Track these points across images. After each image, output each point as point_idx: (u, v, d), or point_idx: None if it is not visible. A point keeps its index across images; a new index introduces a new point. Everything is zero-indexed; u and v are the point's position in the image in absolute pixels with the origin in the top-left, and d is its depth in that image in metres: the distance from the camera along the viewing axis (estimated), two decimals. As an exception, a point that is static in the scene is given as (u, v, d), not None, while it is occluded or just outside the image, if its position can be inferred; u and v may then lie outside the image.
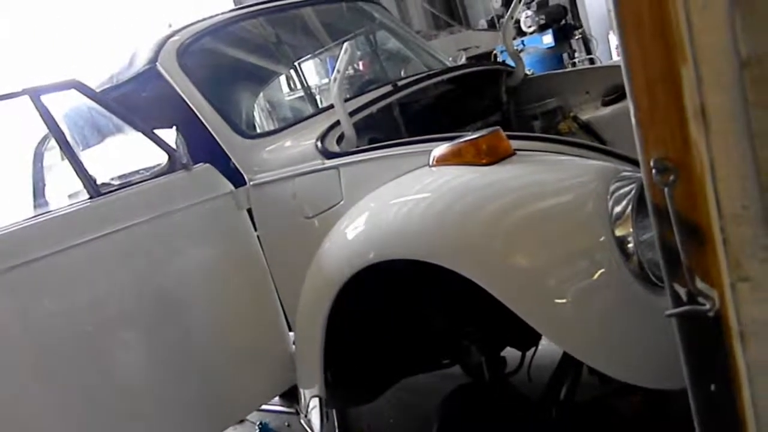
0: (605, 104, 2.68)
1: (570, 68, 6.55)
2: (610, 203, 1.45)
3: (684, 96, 0.74)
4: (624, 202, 1.44)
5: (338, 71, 1.99)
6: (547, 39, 7.67)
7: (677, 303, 0.86)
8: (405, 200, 1.79)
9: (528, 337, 2.02)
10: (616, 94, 2.65)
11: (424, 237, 1.66)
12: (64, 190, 2.81)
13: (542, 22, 7.75)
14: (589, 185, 1.51)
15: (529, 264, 1.51)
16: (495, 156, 1.70)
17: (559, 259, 1.48)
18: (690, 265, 0.81)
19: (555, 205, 1.54)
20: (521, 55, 2.99)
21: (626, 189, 1.46)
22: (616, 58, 7.34)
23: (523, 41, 7.67)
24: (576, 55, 7.83)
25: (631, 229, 1.42)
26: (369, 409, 2.56)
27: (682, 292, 0.83)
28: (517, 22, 7.69)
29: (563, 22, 7.87)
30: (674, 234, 0.81)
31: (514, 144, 1.77)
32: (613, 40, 7.75)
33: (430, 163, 1.81)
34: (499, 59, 6.29)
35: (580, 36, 7.85)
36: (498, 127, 1.79)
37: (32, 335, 1.87)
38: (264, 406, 2.44)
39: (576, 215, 1.50)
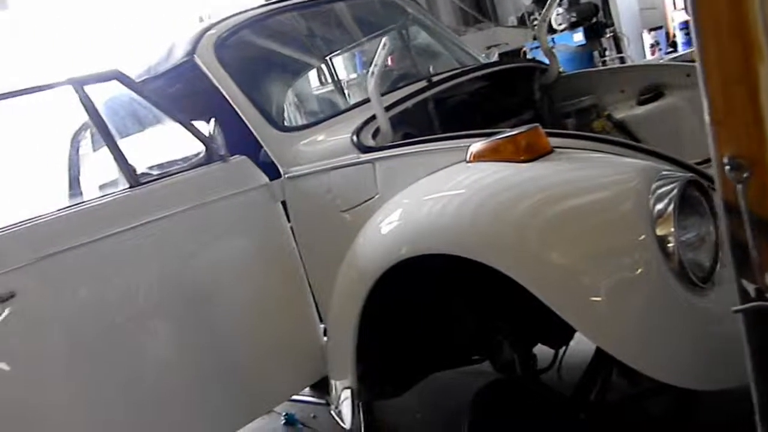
0: (641, 103, 2.65)
1: (603, 66, 6.48)
2: (652, 202, 1.44)
3: (760, 95, 0.75)
4: (665, 201, 1.43)
5: (376, 65, 1.99)
6: (578, 37, 7.57)
7: (745, 299, 0.86)
8: (441, 195, 1.79)
9: (560, 334, 2.01)
10: (651, 94, 2.62)
11: (459, 231, 1.66)
12: (95, 179, 2.85)
13: (573, 19, 7.66)
14: (630, 183, 1.50)
15: (566, 260, 1.50)
16: (533, 153, 1.70)
17: (598, 255, 1.48)
18: (761, 262, 0.80)
19: (595, 201, 1.54)
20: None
21: (668, 188, 1.45)
22: (651, 57, 7.25)
23: (553, 39, 7.56)
24: (607, 53, 7.73)
25: (672, 229, 1.41)
26: (396, 403, 2.57)
27: (750, 288, 0.83)
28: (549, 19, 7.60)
29: (594, 20, 7.76)
30: (745, 230, 0.81)
31: (552, 141, 1.76)
32: (648, 38, 7.64)
33: (467, 158, 1.81)
34: (528, 56, 6.25)
35: (611, 34, 7.75)
36: (537, 124, 1.78)
37: (64, 324, 1.88)
38: (293, 397, 2.46)
39: (616, 213, 1.49)
